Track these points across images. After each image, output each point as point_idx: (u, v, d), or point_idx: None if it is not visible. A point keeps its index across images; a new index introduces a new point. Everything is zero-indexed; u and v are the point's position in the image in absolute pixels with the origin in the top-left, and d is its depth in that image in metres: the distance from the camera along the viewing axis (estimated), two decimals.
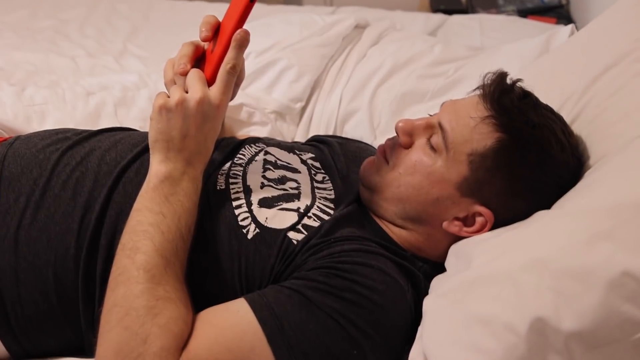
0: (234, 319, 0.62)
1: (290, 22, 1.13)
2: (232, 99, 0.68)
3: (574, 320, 0.52)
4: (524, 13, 1.64)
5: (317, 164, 0.77)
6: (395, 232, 0.70)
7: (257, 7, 0.65)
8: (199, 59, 0.65)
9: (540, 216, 0.62)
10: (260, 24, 1.12)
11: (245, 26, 0.61)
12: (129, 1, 1.50)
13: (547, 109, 0.68)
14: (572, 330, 0.52)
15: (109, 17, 1.41)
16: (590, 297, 0.52)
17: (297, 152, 0.78)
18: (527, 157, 0.64)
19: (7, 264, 0.66)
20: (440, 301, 0.62)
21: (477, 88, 0.67)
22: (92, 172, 0.69)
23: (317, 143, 0.83)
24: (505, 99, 0.64)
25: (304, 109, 1.00)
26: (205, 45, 0.63)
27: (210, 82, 0.62)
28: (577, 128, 0.70)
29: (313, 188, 0.73)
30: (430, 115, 0.69)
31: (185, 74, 0.61)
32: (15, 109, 0.87)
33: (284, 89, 0.96)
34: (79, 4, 1.48)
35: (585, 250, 0.54)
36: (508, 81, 0.66)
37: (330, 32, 1.06)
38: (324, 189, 0.74)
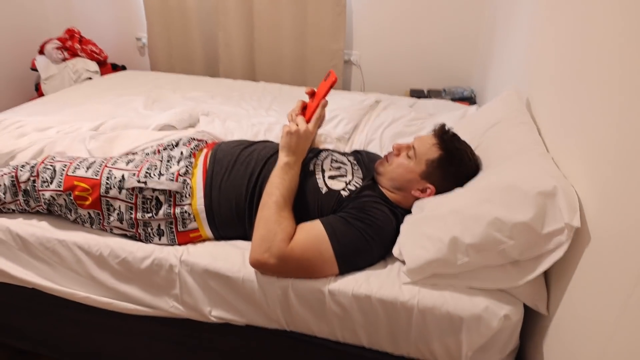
0: (313, 227, 1.05)
1: (345, 98, 1.95)
2: (318, 128, 1.27)
3: (470, 238, 0.94)
4: (454, 99, 2.46)
5: (355, 161, 1.28)
6: (389, 195, 1.17)
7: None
8: (303, 108, 1.20)
9: (457, 191, 1.09)
10: (330, 97, 1.89)
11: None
12: (258, 87, 2.45)
13: (464, 142, 1.18)
14: (469, 242, 0.94)
15: (260, 94, 2.32)
16: (479, 228, 0.93)
17: (346, 155, 1.31)
18: (453, 163, 1.13)
19: (216, 194, 1.16)
20: (408, 226, 1.09)
21: (432, 130, 1.20)
22: (254, 159, 1.21)
23: (356, 152, 1.39)
24: (444, 135, 1.16)
25: (349, 138, 1.75)
26: (307, 100, 1.19)
27: (308, 121, 1.14)
28: (477, 152, 1.22)
29: (353, 172, 1.22)
30: (408, 142, 1.20)
31: (297, 117, 1.15)
32: (220, 131, 1.70)
33: (341, 128, 1.73)
34: (247, 88, 2.42)
35: (477, 206, 0.96)
36: (446, 128, 1.18)
37: (364, 103, 1.91)
38: (358, 172, 1.24)
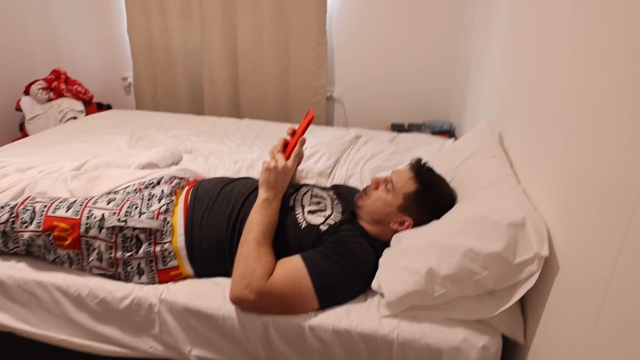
0: (293, 262, 1.06)
1: (326, 133, 2.00)
2: (297, 166, 1.34)
3: (446, 269, 0.95)
4: (434, 133, 2.56)
5: (335, 196, 1.30)
6: (368, 228, 1.18)
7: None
8: (285, 145, 1.24)
9: (433, 223, 1.11)
10: (312, 134, 2.00)
11: (305, 134, 1.18)
12: (242, 124, 2.50)
13: (439, 175, 1.22)
14: (445, 273, 0.95)
15: (244, 131, 2.37)
16: (454, 259, 0.95)
17: (326, 190, 1.32)
18: (429, 196, 1.16)
19: (197, 231, 1.18)
20: (386, 259, 1.10)
21: (409, 164, 1.25)
22: (234, 195, 1.24)
23: (335, 187, 1.39)
24: (420, 169, 1.19)
25: (330, 172, 1.79)
26: (288, 138, 1.23)
27: (287, 158, 1.18)
28: (453, 184, 1.26)
29: (332, 206, 1.24)
30: (386, 176, 1.24)
31: (277, 154, 1.18)
32: (203, 168, 1.74)
33: (322, 163, 1.77)
34: (231, 125, 2.46)
35: (451, 238, 0.98)
36: (422, 162, 1.22)
37: (344, 138, 1.96)
38: (337, 206, 1.25)
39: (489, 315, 1.00)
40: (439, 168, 1.31)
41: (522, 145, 1.26)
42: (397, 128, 2.76)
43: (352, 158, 1.81)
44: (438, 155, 1.66)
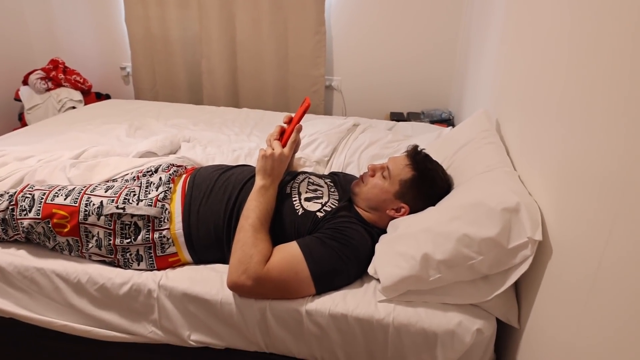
0: (289, 248, 1.07)
1: (325, 122, 2.00)
2: (294, 154, 1.36)
3: (441, 254, 0.97)
4: (432, 122, 2.59)
5: (332, 183, 1.31)
6: (365, 215, 1.20)
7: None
8: (281, 133, 1.23)
9: (429, 210, 1.12)
10: (310, 122, 2.01)
11: (302, 122, 1.18)
12: (241, 113, 2.51)
13: (435, 162, 1.22)
14: (440, 258, 0.97)
15: (243, 120, 2.37)
16: (449, 244, 0.96)
17: (323, 177, 1.34)
18: (425, 183, 1.16)
19: (195, 219, 1.19)
20: (383, 245, 1.12)
21: (405, 151, 1.26)
22: (232, 183, 1.24)
23: (333, 174, 1.41)
24: (417, 156, 1.20)
25: (328, 160, 1.80)
26: (285, 126, 1.23)
27: (283, 146, 1.18)
28: (449, 171, 1.27)
29: (329, 194, 1.25)
30: (383, 163, 1.24)
31: (274, 141, 1.19)
32: (201, 156, 1.74)
33: (320, 151, 1.78)
34: (229, 115, 2.48)
35: (447, 224, 0.99)
36: (419, 149, 1.23)
37: (342, 126, 1.95)
38: (334, 193, 1.26)
39: (483, 300, 1.02)
40: (436, 155, 1.31)
41: (518, 132, 1.27)
42: (396, 117, 2.76)
43: (350, 146, 1.81)
44: (435, 142, 1.67)
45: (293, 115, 1.26)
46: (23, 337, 1.32)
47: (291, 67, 2.91)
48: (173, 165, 1.40)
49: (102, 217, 1.19)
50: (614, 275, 0.62)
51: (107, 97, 3.16)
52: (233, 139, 2.07)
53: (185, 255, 1.21)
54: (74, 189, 1.26)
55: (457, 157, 1.34)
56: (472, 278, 1.03)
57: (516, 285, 1.09)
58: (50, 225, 1.20)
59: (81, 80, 2.98)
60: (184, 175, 1.35)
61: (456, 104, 2.65)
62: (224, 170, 1.33)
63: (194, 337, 1.16)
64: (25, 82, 2.89)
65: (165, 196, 1.24)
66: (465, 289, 1.04)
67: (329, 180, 1.35)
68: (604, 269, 0.65)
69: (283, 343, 1.12)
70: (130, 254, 1.20)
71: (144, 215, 1.19)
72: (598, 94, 0.74)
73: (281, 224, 1.18)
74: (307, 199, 1.24)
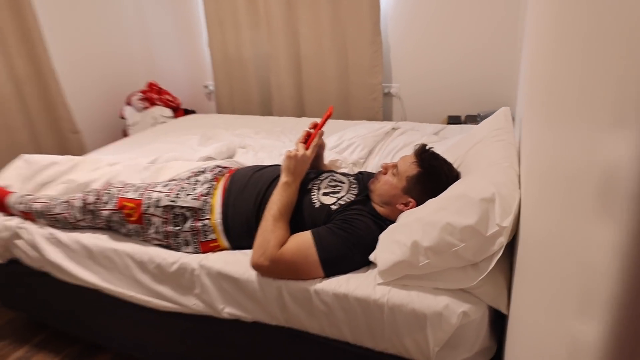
0: (302, 236, 1.23)
1: (364, 126, 2.14)
2: (319, 155, 1.54)
3: (427, 242, 1.07)
4: None
5: (355, 180, 1.44)
6: (379, 209, 1.32)
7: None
8: (307, 137, 1.43)
9: (427, 202, 1.22)
10: (352, 128, 2.15)
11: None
12: (299, 121, 2.78)
13: (441, 159, 1.31)
14: (427, 245, 1.07)
15: (301, 128, 2.61)
16: (434, 232, 1.06)
17: (347, 176, 1.47)
18: (430, 179, 1.27)
19: (232, 211, 1.40)
20: (385, 235, 1.23)
21: (413, 149, 1.38)
22: (262, 180, 1.44)
23: (359, 173, 1.55)
24: (423, 154, 1.32)
25: (364, 162, 1.93)
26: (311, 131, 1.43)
27: (307, 148, 1.38)
28: (459, 168, 1.36)
29: (348, 189, 1.38)
30: (394, 162, 1.38)
31: (299, 144, 1.40)
32: (252, 160, 1.99)
33: (356, 154, 1.93)
34: (289, 123, 2.79)
35: (434, 214, 1.10)
36: (426, 147, 1.34)
37: (379, 130, 2.09)
38: (354, 189, 1.39)
39: (469, 285, 1.09)
40: (452, 153, 1.40)
41: (528, 129, 1.30)
42: (454, 120, 2.77)
43: (385, 149, 1.93)
44: (457, 141, 1.72)
45: (318, 121, 1.44)
46: (104, 306, 1.65)
47: (351, 77, 3.08)
48: (218, 166, 1.65)
49: (159, 208, 1.47)
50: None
51: (193, 112, 3.61)
52: (288, 144, 2.29)
53: (224, 241, 1.44)
54: (141, 186, 1.57)
55: (469, 154, 1.41)
56: (462, 265, 1.11)
57: (511, 273, 1.14)
58: (122, 215, 1.50)
59: (171, 99, 3.45)
60: (226, 175, 1.59)
61: (513, 103, 2.60)
62: (257, 170, 1.55)
63: (227, 310, 1.38)
64: (128, 102, 3.43)
65: (209, 192, 1.49)
66: (455, 275, 1.12)
67: (353, 177, 1.50)
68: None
69: (298, 318, 1.29)
70: (180, 239, 1.45)
71: (190, 207, 1.45)
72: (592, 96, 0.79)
73: (300, 216, 1.35)
74: (325, 194, 1.40)
